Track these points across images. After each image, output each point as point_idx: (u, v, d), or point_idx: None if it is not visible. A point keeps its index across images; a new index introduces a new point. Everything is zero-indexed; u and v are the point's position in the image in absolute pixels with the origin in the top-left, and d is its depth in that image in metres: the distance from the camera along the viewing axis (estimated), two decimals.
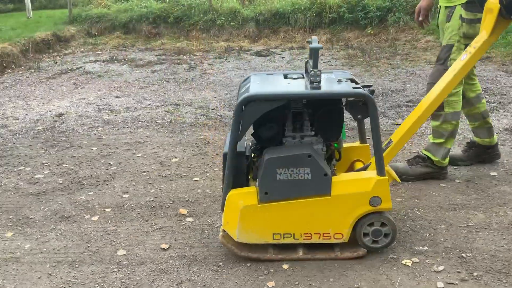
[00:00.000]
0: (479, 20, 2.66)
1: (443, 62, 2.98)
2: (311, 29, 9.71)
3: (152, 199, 3.02)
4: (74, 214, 2.87)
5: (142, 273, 2.25)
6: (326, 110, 2.30)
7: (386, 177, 2.21)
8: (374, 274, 2.18)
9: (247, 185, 2.37)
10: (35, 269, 2.32)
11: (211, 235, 2.58)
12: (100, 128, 4.56)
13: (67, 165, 3.66)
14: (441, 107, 2.95)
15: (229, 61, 8.01)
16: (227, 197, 2.26)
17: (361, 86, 2.26)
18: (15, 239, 2.62)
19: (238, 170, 2.29)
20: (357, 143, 2.74)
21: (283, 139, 2.34)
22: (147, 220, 2.77)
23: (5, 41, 8.73)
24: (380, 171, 2.21)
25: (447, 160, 3.11)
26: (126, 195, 3.10)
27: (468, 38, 2.82)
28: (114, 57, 8.53)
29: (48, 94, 6.14)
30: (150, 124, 4.66)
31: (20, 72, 7.69)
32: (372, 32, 9.21)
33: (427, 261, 2.28)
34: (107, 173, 3.48)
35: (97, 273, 2.27)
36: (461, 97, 3.02)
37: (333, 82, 2.32)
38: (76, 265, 2.34)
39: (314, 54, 2.19)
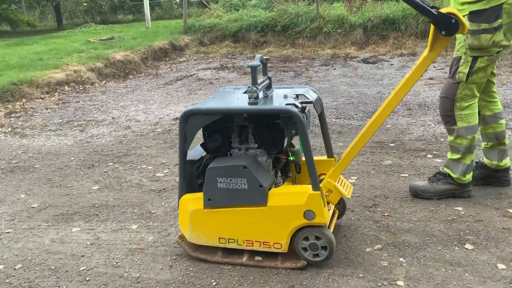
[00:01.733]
0: (483, 31, 2.58)
1: (452, 76, 2.82)
2: (423, 35, 9.30)
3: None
4: None
5: (255, 273, 2.33)
6: (265, 124, 2.37)
7: (319, 192, 2.20)
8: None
9: (200, 190, 2.43)
10: (157, 260, 2.51)
11: None
12: None
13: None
14: (453, 122, 2.84)
15: (335, 69, 7.97)
16: (180, 201, 2.45)
17: (299, 102, 2.26)
18: (140, 232, 2.85)
19: (190, 177, 2.46)
20: (324, 157, 2.70)
21: (230, 150, 2.44)
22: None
23: (128, 49, 9.56)
24: (314, 186, 2.21)
25: (468, 177, 2.93)
26: None
27: (474, 49, 2.67)
28: (224, 65, 8.93)
29: (166, 99, 6.61)
30: None
31: (141, 78, 8.37)
32: None
33: None
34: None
35: (213, 269, 2.39)
36: (475, 110, 2.82)
37: (276, 98, 2.36)
38: (195, 260, 2.49)
39: (252, 71, 2.27)
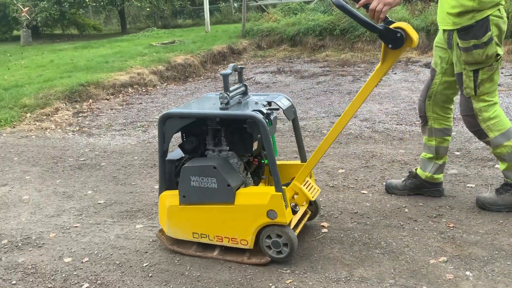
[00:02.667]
0: (474, 47, 2.57)
1: (462, 92, 2.79)
2: None
3: (322, 206, 3.08)
4: None
5: (314, 280, 2.31)
6: (235, 129, 2.51)
7: (280, 193, 2.32)
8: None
9: (178, 188, 2.56)
10: (217, 261, 2.55)
11: (376, 251, 2.52)
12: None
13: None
14: (485, 134, 2.78)
15: (395, 73, 7.77)
16: (159, 197, 2.64)
17: (266, 109, 2.37)
18: None
19: (169, 175, 2.64)
20: (298, 162, 2.77)
21: (205, 152, 2.60)
22: (315, 228, 2.83)
23: (188, 53, 9.81)
24: (277, 187, 2.33)
25: None
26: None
27: (471, 64, 2.65)
28: (281, 69, 8.95)
29: None
30: (316, 134, 4.77)
31: (200, 81, 8.56)
32: None
33: None
34: None
35: (272, 272, 2.39)
36: (501, 116, 2.74)
37: (247, 105, 2.49)
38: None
39: (224, 79, 2.42)
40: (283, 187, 2.39)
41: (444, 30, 2.75)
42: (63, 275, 2.53)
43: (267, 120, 2.30)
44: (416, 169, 3.16)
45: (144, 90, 7.85)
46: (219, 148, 2.58)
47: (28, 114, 6.26)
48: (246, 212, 2.41)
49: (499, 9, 2.56)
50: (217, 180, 2.42)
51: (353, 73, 8.06)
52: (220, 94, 2.43)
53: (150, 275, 2.47)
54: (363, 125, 4.94)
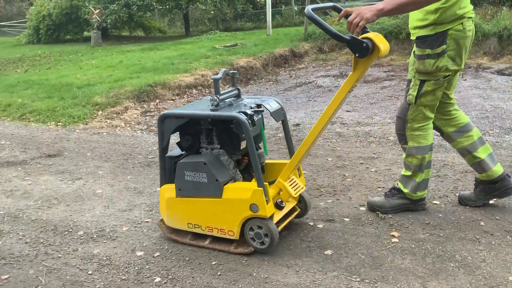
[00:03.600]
0: (427, 56, 2.66)
1: (405, 97, 2.91)
2: None
3: (390, 216, 3.01)
4: (314, 218, 3.07)
5: None
6: (224, 128, 2.70)
7: (261, 188, 2.49)
8: None
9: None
10: (285, 263, 2.55)
11: (451, 264, 2.42)
12: (334, 140, 4.77)
13: (306, 172, 3.93)
14: (405, 141, 2.94)
15: (465, 79, 7.45)
16: (160, 189, 2.88)
17: (251, 111, 2.54)
18: None
19: (169, 170, 2.85)
20: (287, 161, 2.80)
21: (200, 149, 2.80)
22: (384, 237, 2.76)
23: (250, 55, 9.91)
24: (258, 183, 2.51)
25: (419, 194, 3.00)
26: (362, 208, 3.16)
27: (421, 73, 2.75)
28: (343, 73, 8.83)
29: (285, 104, 6.72)
30: (382, 140, 4.66)
31: (261, 84, 8.62)
32: None
33: None
34: (342, 184, 3.62)
35: (341, 280, 2.37)
36: (427, 132, 2.89)
37: (237, 106, 2.69)
38: (320, 269, 2.48)
39: (214, 83, 2.64)
40: (267, 183, 2.57)
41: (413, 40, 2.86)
42: (136, 268, 2.63)
43: (249, 121, 2.48)
44: (477, 175, 3.10)
45: (207, 92, 8.01)
46: (212, 146, 2.79)
47: (100, 112, 6.57)
48: (232, 205, 2.61)
49: (462, 23, 2.63)
50: (207, 175, 2.64)
51: None
52: (211, 97, 2.63)
53: (218, 273, 2.51)
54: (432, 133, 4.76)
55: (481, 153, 2.96)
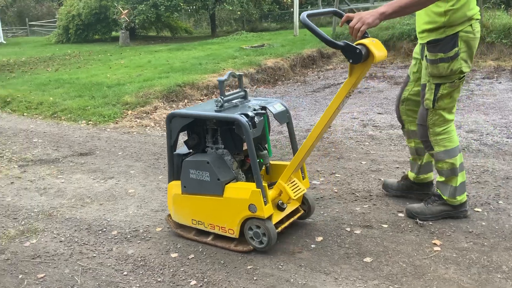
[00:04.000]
0: (440, 60, 2.63)
1: (422, 102, 2.87)
2: None
3: (430, 223, 2.91)
4: (351, 223, 2.99)
5: None
6: (227, 129, 2.76)
7: (259, 189, 2.53)
8: None
9: None
10: (322, 269, 2.49)
11: (497, 275, 2.32)
12: (367, 143, 4.67)
13: (339, 175, 3.85)
14: (431, 147, 2.87)
15: (500, 82, 7.24)
16: (168, 185, 2.98)
17: (254, 113, 2.58)
18: (302, 237, 2.86)
19: (177, 167, 2.91)
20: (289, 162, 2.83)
21: (205, 148, 2.87)
22: (426, 245, 2.67)
23: (278, 56, 9.85)
24: (257, 184, 2.55)
25: (459, 198, 2.90)
26: (401, 214, 3.07)
27: (435, 77, 2.71)
28: (373, 74, 8.69)
29: (314, 106, 6.64)
30: None
31: (289, 84, 8.55)
32: None
33: None
34: (378, 188, 3.53)
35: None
36: (451, 134, 2.84)
37: (241, 108, 2.70)
38: (360, 277, 2.41)
39: (219, 85, 2.68)
40: (265, 184, 2.60)
41: (420, 43, 2.85)
42: (171, 270, 2.61)
43: (250, 123, 2.51)
44: (408, 173, 3.30)
45: None
46: (216, 146, 2.84)
47: (130, 111, 6.61)
48: (232, 204, 2.66)
49: (471, 25, 2.60)
50: (210, 174, 2.69)
51: None
52: (216, 98, 2.71)
53: (255, 278, 2.46)
54: (469, 137, 4.62)
55: (426, 158, 3.14)
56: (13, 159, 4.88)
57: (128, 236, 3.04)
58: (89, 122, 6.34)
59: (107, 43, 19.23)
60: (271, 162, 2.98)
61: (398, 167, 3.94)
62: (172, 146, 2.90)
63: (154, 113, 6.57)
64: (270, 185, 2.79)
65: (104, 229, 3.16)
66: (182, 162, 2.82)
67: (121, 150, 5.03)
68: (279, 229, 2.71)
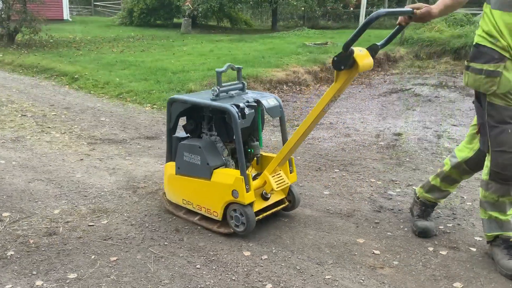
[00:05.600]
0: (480, 71, 2.36)
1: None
2: None
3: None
4: (436, 243, 2.79)
5: None
6: (220, 117, 2.93)
7: (242, 177, 2.67)
8: None
9: None
10: (407, 285, 2.33)
11: None
12: (444, 156, 4.41)
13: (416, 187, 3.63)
14: None
15: None
16: (165, 166, 3.18)
17: (245, 104, 2.72)
18: (382, 251, 2.70)
19: (174, 150, 3.06)
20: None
21: (201, 134, 3.05)
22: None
23: None
24: (241, 171, 2.69)
25: None
26: None
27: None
28: (444, 83, 8.29)
29: (382, 111, 6.39)
30: None
31: (353, 86, 8.30)
32: None
33: None
34: (462, 207, 3.29)
35: None
36: None
37: (235, 99, 2.83)
38: None
39: (217, 75, 2.80)
40: (249, 173, 2.75)
41: None
42: (245, 269, 2.51)
43: (239, 113, 2.64)
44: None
45: (298, 89, 7.83)
46: (211, 133, 3.00)
47: None
48: (218, 188, 2.81)
49: None
50: (200, 158, 2.86)
51: None
52: (213, 88, 2.82)
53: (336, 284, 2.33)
54: None
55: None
56: (82, 136, 4.95)
57: (198, 227, 2.97)
58: (154, 106, 6.37)
59: (169, 29, 19.48)
60: (263, 153, 3.11)
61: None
62: (171, 129, 3.10)
63: None
64: (258, 175, 2.96)
65: (174, 218, 3.10)
66: (178, 145, 2.99)
67: None
68: (260, 216, 2.85)
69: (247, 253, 2.67)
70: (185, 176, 2.98)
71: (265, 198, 2.93)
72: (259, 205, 2.89)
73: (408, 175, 3.92)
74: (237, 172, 2.75)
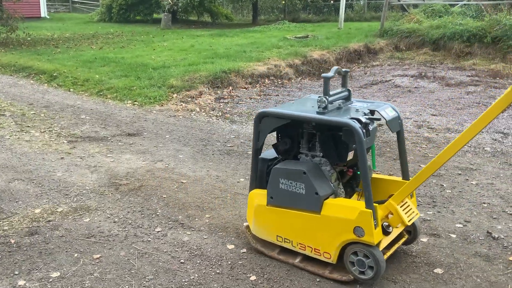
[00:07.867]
0: None
1: None
2: None
3: (503, 236, 2.73)
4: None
5: None
6: (329, 135, 2.37)
7: (370, 210, 2.16)
8: None
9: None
10: (386, 277, 2.36)
11: None
12: (424, 146, 4.47)
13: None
14: None
15: None
16: (249, 194, 2.60)
17: (366, 118, 2.21)
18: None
19: (261, 173, 2.58)
20: (399, 178, 2.55)
21: (298, 155, 2.52)
22: (500, 260, 2.50)
23: (324, 49, 9.63)
24: (367, 203, 2.16)
25: None
26: (469, 224, 2.90)
27: None
28: (423, 73, 8.39)
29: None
30: (478, 150, 4.32)
31: (335, 78, 8.34)
32: None
33: None
34: (442, 195, 3.35)
35: None
36: None
37: (347, 111, 2.35)
38: None
39: (324, 82, 2.35)
40: (376, 204, 2.22)
41: None
42: (229, 263, 2.52)
43: (363, 130, 2.15)
44: None
45: (279, 82, 7.85)
46: (313, 153, 2.49)
47: (175, 95, 6.57)
48: (332, 224, 2.29)
49: None
50: (306, 186, 2.34)
51: (507, 86, 7.26)
52: (318, 97, 2.33)
53: (318, 279, 2.36)
54: None
55: None
56: (62, 134, 4.89)
57: (182, 223, 2.97)
58: (135, 103, 6.32)
59: (149, 24, 19.28)
60: (375, 175, 2.58)
61: (460, 174, 3.75)
62: (258, 149, 2.55)
63: (199, 98, 6.50)
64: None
65: (158, 214, 3.09)
66: (270, 169, 2.48)
67: (168, 133, 4.98)
68: (385, 256, 2.29)
69: (230, 247, 2.68)
70: (282, 207, 2.46)
71: (386, 232, 2.33)
72: (383, 242, 2.31)
73: (389, 165, 3.98)
74: (361, 204, 2.25)
